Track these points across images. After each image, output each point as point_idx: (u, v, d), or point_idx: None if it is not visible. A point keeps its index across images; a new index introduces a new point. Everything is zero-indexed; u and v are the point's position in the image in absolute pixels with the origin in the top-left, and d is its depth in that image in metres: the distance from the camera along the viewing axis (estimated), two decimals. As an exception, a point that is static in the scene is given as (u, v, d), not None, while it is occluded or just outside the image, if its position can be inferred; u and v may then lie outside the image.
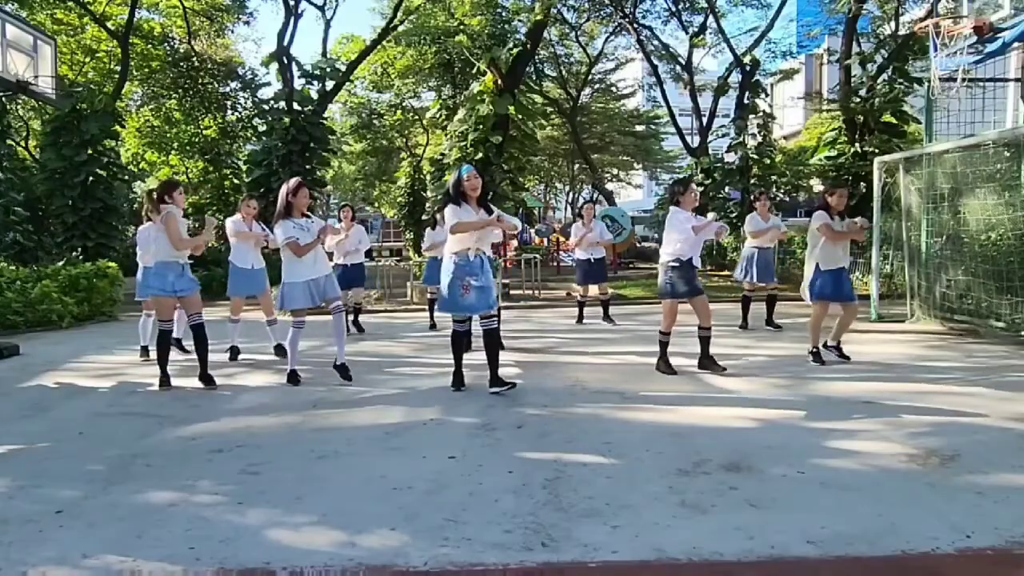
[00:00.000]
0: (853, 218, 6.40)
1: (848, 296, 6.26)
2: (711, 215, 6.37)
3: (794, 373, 5.93)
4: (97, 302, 10.63)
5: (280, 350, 7.09)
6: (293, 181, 5.83)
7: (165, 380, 5.77)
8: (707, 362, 5.98)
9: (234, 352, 7.12)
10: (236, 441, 4.21)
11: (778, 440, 4.02)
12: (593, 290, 9.77)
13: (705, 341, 6.00)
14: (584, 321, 9.48)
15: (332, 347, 6.26)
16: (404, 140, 31.57)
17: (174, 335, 7.01)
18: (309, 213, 5.90)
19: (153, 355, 6.59)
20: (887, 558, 2.63)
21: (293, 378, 5.80)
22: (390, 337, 8.67)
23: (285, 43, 17.45)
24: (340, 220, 8.99)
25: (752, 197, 9.36)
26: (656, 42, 22.10)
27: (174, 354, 6.43)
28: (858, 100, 14.83)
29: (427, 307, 9.54)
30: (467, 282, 5.11)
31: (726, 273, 15.62)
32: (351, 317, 9.02)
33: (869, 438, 4.04)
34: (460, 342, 5.45)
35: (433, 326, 9.18)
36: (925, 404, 4.80)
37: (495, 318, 5.36)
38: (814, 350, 6.31)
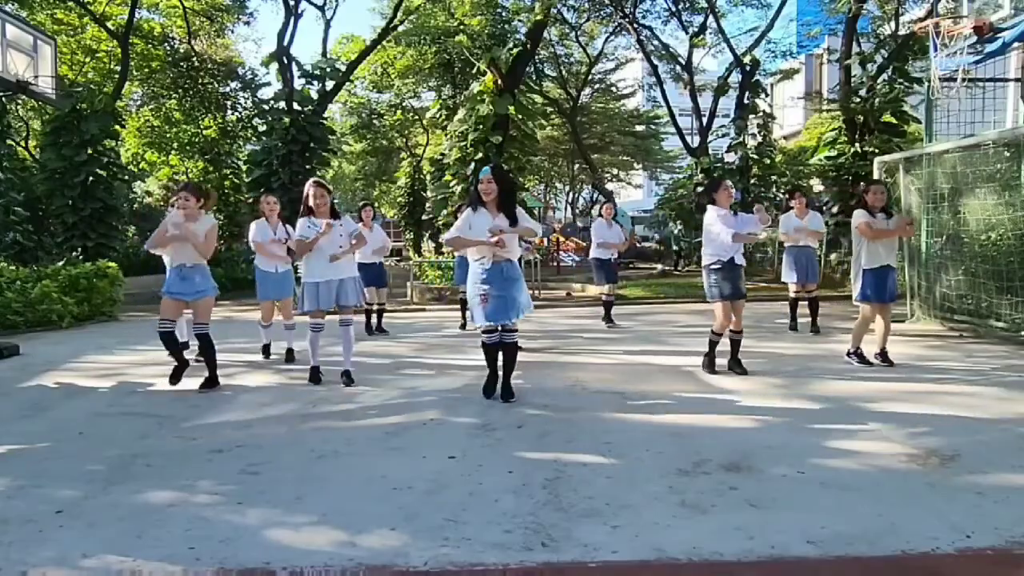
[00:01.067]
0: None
1: (889, 297, 6.09)
2: (757, 208, 6.30)
3: (794, 373, 5.93)
4: (97, 302, 10.63)
5: (289, 354, 7.06)
6: (307, 184, 5.89)
7: (177, 371, 5.66)
8: (734, 364, 5.96)
9: (290, 354, 7.05)
10: (236, 441, 4.20)
11: (778, 440, 4.02)
12: (595, 290, 9.73)
13: (735, 344, 5.99)
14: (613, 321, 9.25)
15: (335, 347, 6.25)
16: (404, 140, 31.59)
17: (181, 339, 6.98)
18: (337, 214, 5.88)
19: (192, 353, 6.60)
20: (887, 558, 2.63)
21: (314, 376, 5.83)
22: (390, 337, 8.67)
23: (285, 43, 17.44)
24: (361, 219, 8.76)
25: (787, 196, 9.33)
26: (656, 42, 22.03)
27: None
28: (858, 100, 14.79)
29: (459, 307, 9.32)
30: (484, 290, 4.88)
31: None
32: (375, 320, 8.95)
33: (869, 438, 4.04)
34: (489, 352, 5.14)
35: (463, 326, 8.98)
36: (925, 404, 4.81)
37: (513, 332, 5.05)
38: (857, 351, 6.21)
